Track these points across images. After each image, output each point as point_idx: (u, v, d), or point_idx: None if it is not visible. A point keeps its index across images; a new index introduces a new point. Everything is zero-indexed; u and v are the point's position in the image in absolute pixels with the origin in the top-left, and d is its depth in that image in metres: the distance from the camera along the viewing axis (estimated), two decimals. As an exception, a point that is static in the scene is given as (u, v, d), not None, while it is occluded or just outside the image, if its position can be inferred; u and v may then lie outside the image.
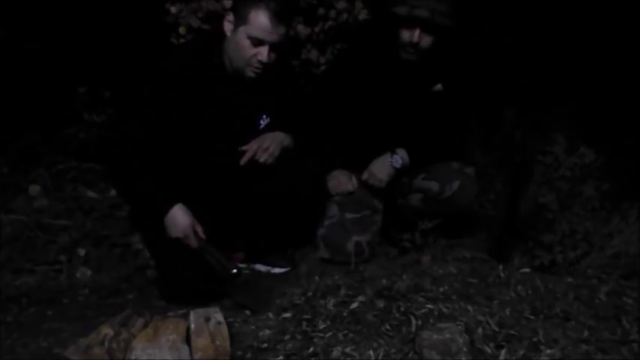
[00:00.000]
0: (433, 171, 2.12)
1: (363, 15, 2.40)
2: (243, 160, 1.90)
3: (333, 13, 2.39)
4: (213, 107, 1.86)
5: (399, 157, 2.12)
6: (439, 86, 2.14)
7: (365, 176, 2.14)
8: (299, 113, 2.05)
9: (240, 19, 1.79)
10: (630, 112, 2.85)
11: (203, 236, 1.81)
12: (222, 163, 1.91)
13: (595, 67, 3.07)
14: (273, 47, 1.80)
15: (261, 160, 1.90)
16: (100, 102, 2.80)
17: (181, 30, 2.35)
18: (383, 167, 2.12)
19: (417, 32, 1.97)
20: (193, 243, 1.79)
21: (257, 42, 1.79)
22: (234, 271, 1.78)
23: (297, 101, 2.07)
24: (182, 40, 2.36)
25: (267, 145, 1.91)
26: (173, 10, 2.35)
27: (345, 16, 2.40)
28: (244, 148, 1.91)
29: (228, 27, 1.83)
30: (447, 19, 1.96)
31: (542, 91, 3.01)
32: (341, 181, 2.16)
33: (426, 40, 2.00)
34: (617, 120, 2.82)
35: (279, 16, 1.77)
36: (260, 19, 1.76)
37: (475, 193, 2.15)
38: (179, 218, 1.77)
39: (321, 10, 2.37)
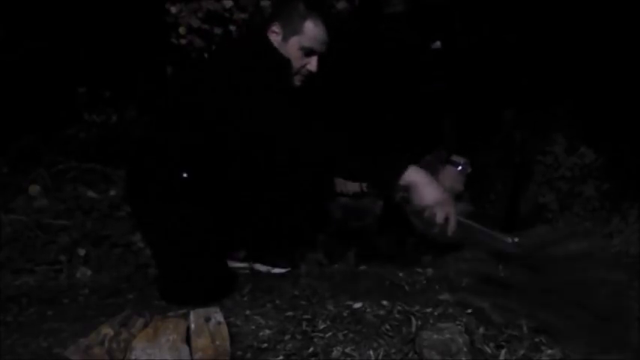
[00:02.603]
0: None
1: (363, 15, 2.40)
2: None
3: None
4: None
5: (463, 162, 2.02)
6: (437, 43, 2.07)
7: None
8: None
9: (292, 30, 1.80)
10: (630, 112, 2.85)
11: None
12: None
13: (595, 66, 3.07)
14: (319, 56, 1.84)
15: None
16: (100, 102, 2.80)
17: (181, 30, 2.36)
18: (456, 179, 2.03)
19: None
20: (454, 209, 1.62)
21: (309, 52, 1.82)
22: (516, 239, 1.63)
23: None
24: (182, 41, 2.36)
25: None
26: (173, 10, 2.35)
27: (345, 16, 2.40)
28: None
29: (275, 37, 1.83)
30: None
31: (542, 91, 3.01)
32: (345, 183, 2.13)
33: None
34: (617, 120, 2.82)
35: (327, 26, 1.81)
36: (315, 30, 1.80)
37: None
38: (430, 181, 1.61)
39: (321, 10, 2.37)
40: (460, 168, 2.02)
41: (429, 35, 2.06)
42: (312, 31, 1.80)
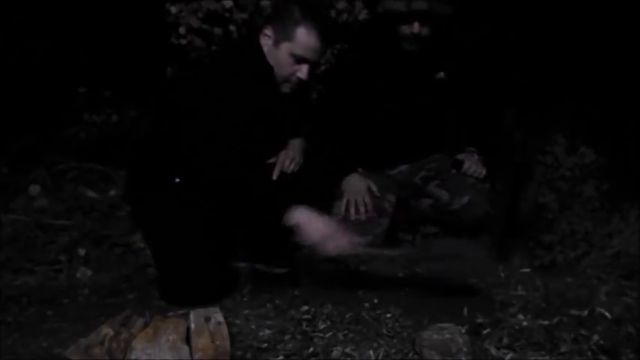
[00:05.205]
0: (448, 180, 2.12)
1: (363, 15, 2.40)
2: (275, 174, 1.89)
3: (333, 13, 2.39)
4: (252, 114, 1.81)
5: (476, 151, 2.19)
6: (441, 74, 2.14)
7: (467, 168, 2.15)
8: (314, 117, 2.08)
9: (284, 35, 1.75)
10: (630, 112, 2.85)
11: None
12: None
13: (595, 66, 3.07)
14: (313, 65, 1.78)
15: (289, 170, 1.91)
16: (100, 102, 2.80)
17: (181, 30, 2.36)
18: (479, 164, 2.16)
19: (416, 24, 1.97)
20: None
21: (300, 60, 1.76)
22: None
23: (311, 106, 2.11)
24: (182, 41, 2.36)
25: (293, 155, 1.92)
26: (173, 10, 2.35)
27: (345, 16, 2.40)
28: (271, 161, 1.91)
29: (266, 41, 1.78)
30: (445, 6, 1.96)
31: (542, 90, 3.01)
32: (357, 189, 2.12)
33: (426, 30, 2.00)
34: (617, 120, 2.82)
35: (324, 35, 1.75)
36: (307, 38, 1.74)
37: (485, 212, 2.11)
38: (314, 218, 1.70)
39: (320, 10, 2.37)
40: (476, 157, 2.17)
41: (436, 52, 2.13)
42: (304, 38, 1.73)
